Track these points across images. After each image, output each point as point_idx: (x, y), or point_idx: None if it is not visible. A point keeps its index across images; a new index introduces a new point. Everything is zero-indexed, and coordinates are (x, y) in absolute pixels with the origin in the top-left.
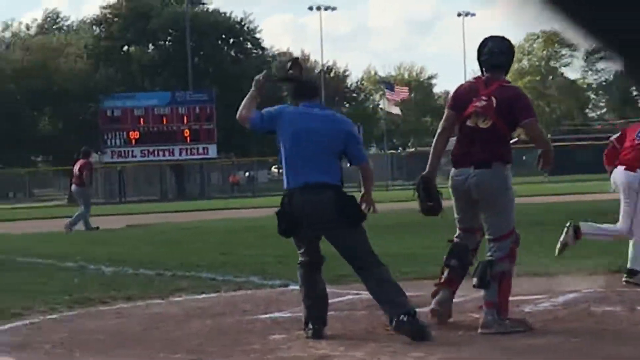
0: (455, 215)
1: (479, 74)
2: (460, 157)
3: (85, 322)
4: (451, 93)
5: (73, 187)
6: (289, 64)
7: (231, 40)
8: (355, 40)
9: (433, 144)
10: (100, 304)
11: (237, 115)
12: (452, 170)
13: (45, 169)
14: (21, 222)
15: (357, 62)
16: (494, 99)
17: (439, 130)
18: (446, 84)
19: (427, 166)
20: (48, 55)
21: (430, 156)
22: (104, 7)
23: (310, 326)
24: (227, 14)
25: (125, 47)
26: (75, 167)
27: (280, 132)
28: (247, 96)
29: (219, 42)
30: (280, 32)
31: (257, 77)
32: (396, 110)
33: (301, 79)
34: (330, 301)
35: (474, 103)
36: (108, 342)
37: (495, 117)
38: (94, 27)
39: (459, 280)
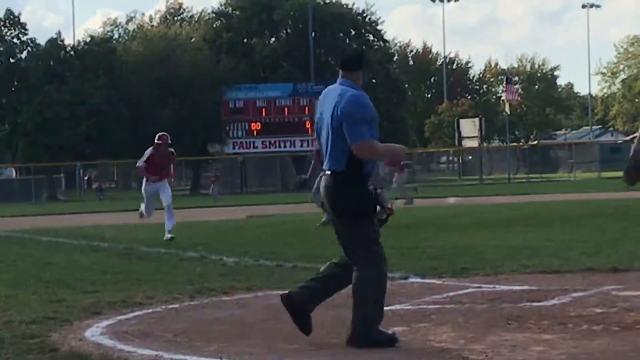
0: None
1: (603, 65)
2: None
3: (206, 312)
4: None
5: None
6: None
7: (353, 32)
8: (484, 31)
9: None
10: (222, 294)
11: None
12: None
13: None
14: None
15: (485, 53)
16: None
17: None
18: (569, 75)
19: None
20: (170, 46)
21: None
22: (226, 2)
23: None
24: (349, 6)
25: (247, 39)
26: None
27: None
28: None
29: (341, 33)
30: (407, 24)
31: None
32: (507, 107)
33: None
34: (451, 294)
35: None
36: (229, 332)
37: None
38: (216, 21)
39: None
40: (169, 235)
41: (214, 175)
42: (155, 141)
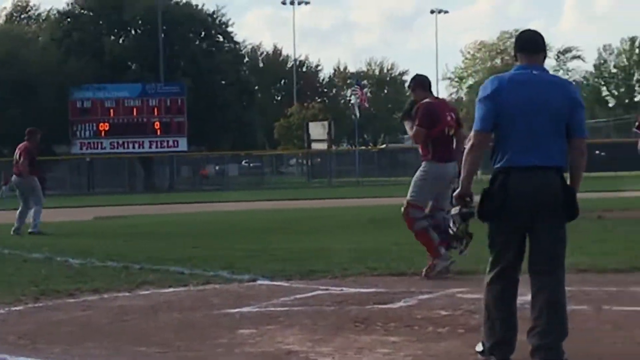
0: None
1: (451, 70)
2: None
3: (51, 314)
4: None
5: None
6: None
7: (203, 33)
8: (336, 35)
9: None
10: (67, 296)
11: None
12: None
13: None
14: None
15: (335, 57)
16: None
17: None
18: None
19: None
20: (17, 44)
21: None
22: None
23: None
24: (200, 7)
25: (97, 39)
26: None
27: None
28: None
29: (191, 34)
30: (260, 27)
31: None
32: (357, 110)
33: None
34: (299, 296)
35: None
36: (74, 335)
37: None
38: (64, 20)
39: None
40: None
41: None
42: None
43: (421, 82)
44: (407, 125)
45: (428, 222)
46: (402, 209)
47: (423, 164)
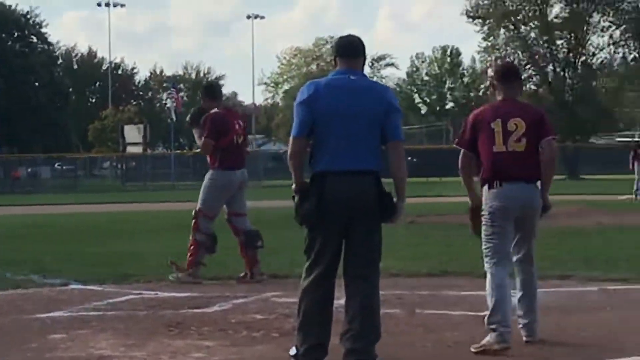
0: None
1: (267, 75)
2: None
3: None
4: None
5: None
6: None
7: (16, 34)
8: (152, 38)
9: None
10: None
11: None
12: None
13: None
14: None
15: (151, 60)
16: None
17: None
18: (235, 85)
19: None
20: None
21: None
22: None
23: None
24: (13, 7)
25: None
26: None
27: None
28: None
29: (3, 35)
30: (76, 28)
31: None
32: (173, 114)
33: None
34: (112, 300)
35: None
36: None
37: None
38: None
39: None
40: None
41: None
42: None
43: (210, 91)
44: (196, 133)
45: (206, 242)
46: (194, 212)
47: (210, 172)
